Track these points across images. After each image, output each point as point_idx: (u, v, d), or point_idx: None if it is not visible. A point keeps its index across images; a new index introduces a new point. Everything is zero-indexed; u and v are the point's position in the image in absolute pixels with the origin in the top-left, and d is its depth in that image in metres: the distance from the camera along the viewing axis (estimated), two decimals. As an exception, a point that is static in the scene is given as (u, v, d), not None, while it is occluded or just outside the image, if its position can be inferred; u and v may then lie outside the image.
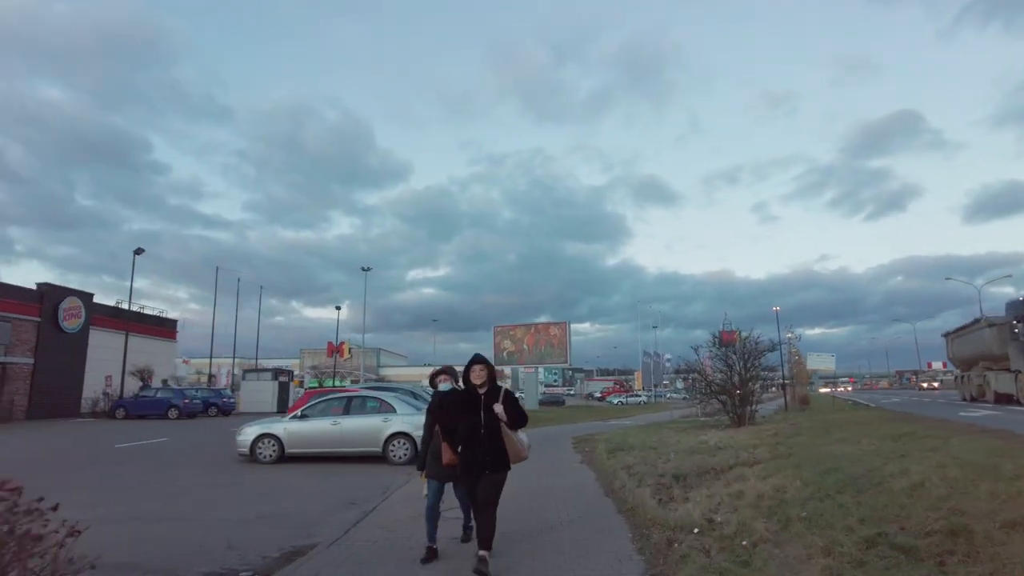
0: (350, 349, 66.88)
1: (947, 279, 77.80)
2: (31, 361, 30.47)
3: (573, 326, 49.53)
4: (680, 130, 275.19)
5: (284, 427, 13.30)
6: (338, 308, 51.60)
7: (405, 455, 12.79)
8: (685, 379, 20.11)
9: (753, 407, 19.04)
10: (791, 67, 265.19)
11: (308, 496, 9.39)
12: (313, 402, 13.92)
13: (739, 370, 19.04)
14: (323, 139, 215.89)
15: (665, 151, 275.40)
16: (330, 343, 63.94)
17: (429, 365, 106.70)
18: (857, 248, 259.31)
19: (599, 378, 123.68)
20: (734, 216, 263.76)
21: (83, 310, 33.33)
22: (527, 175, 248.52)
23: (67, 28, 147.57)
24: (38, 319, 31.00)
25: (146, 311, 39.22)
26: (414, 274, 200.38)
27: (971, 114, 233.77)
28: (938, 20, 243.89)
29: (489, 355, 49.05)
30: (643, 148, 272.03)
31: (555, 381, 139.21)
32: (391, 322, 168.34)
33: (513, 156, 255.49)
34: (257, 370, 39.43)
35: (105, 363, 34.20)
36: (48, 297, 31.58)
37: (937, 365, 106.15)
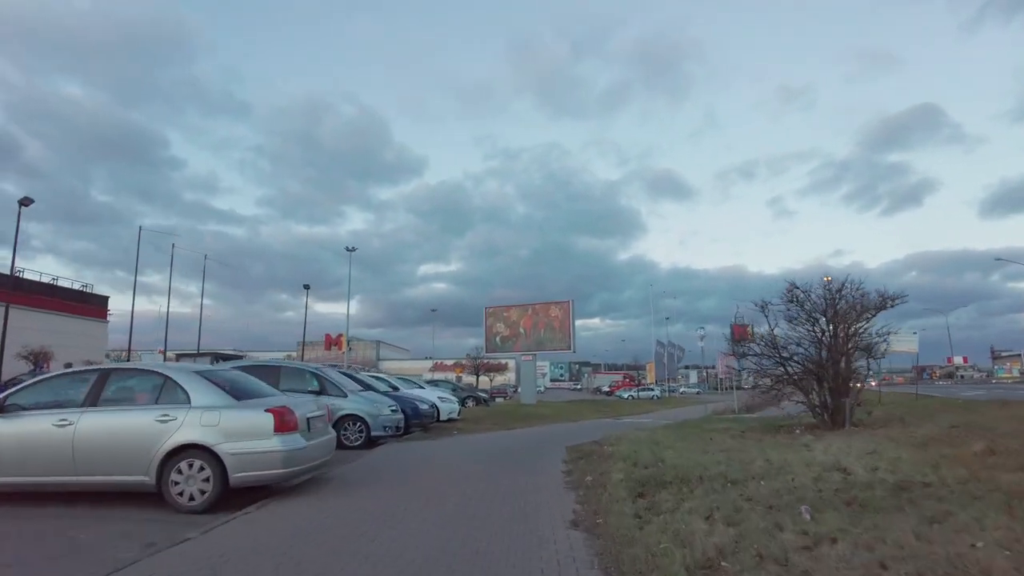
0: (349, 342, 62.85)
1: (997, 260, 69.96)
2: None
3: (583, 321, 42.24)
4: (696, 124, 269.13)
5: (-35, 432, 6.49)
6: (306, 287, 44.08)
7: (202, 492, 5.99)
8: (742, 354, 13.30)
9: (855, 399, 12.04)
10: (809, 61, 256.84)
11: None
12: (33, 381, 7.03)
13: (830, 339, 12.09)
14: (339, 134, 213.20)
15: (681, 146, 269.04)
16: (328, 335, 61.78)
17: (430, 359, 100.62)
18: (871, 243, 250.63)
19: (607, 372, 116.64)
20: (749, 211, 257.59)
21: (-42, 277, 26.72)
22: (542, 170, 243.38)
23: (88, 25, 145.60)
24: None
25: (59, 282, 32.47)
26: (425, 269, 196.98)
27: (992, 108, 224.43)
28: (960, 13, 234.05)
29: (480, 341, 42.38)
30: (659, 143, 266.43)
31: (562, 376, 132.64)
32: (402, 317, 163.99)
33: (529, 151, 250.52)
34: (193, 355, 32.67)
35: (1, 343, 27.52)
36: (-91, 258, 24.99)
37: (958, 360, 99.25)
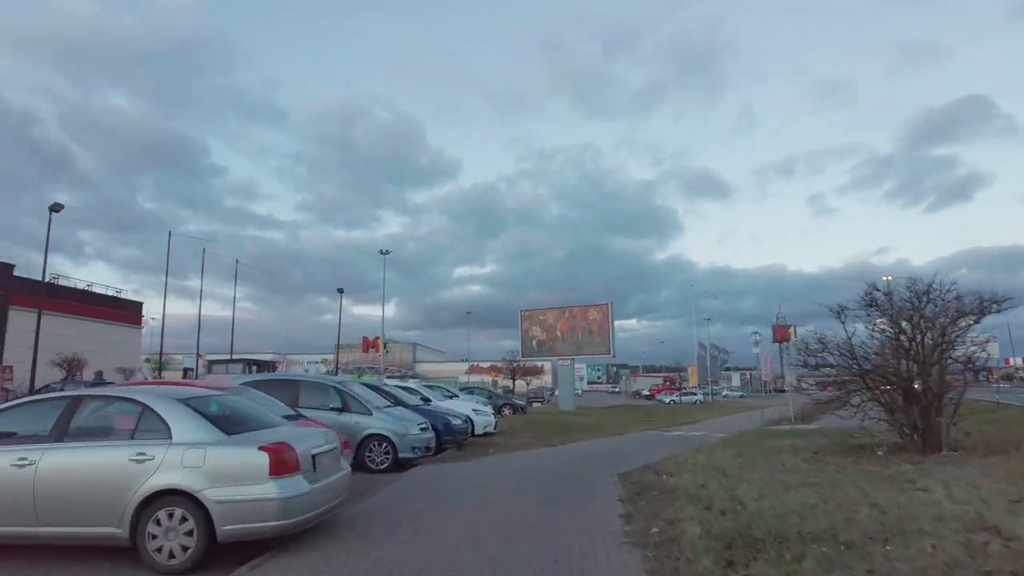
0: (385, 344, 62.89)
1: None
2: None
3: (619, 323, 40.64)
4: (732, 122, 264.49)
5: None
6: (340, 291, 43.60)
7: (184, 549, 4.90)
8: (815, 366, 11.74)
9: (951, 418, 10.41)
10: (848, 55, 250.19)
11: None
12: (10, 405, 6.02)
13: (918, 347, 10.51)
14: (374, 139, 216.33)
15: (717, 144, 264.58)
16: (365, 338, 61.47)
17: (466, 361, 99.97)
18: (917, 239, 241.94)
19: (646, 374, 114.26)
20: (788, 209, 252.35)
21: (-5, 285, 26.64)
22: (576, 170, 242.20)
23: (133, 39, 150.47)
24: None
25: (94, 288, 32.36)
26: (461, 271, 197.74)
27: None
28: (1012, 0, 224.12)
29: (515, 343, 41.19)
30: (694, 141, 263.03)
31: (599, 378, 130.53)
32: (438, 319, 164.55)
33: (563, 152, 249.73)
34: (226, 361, 32.18)
35: (39, 351, 27.37)
36: (-58, 266, 24.94)
37: (1016, 361, 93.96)
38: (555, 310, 38.27)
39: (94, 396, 5.73)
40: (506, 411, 27.69)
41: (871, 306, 11.19)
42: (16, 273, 27.80)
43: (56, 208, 25.01)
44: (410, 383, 24.01)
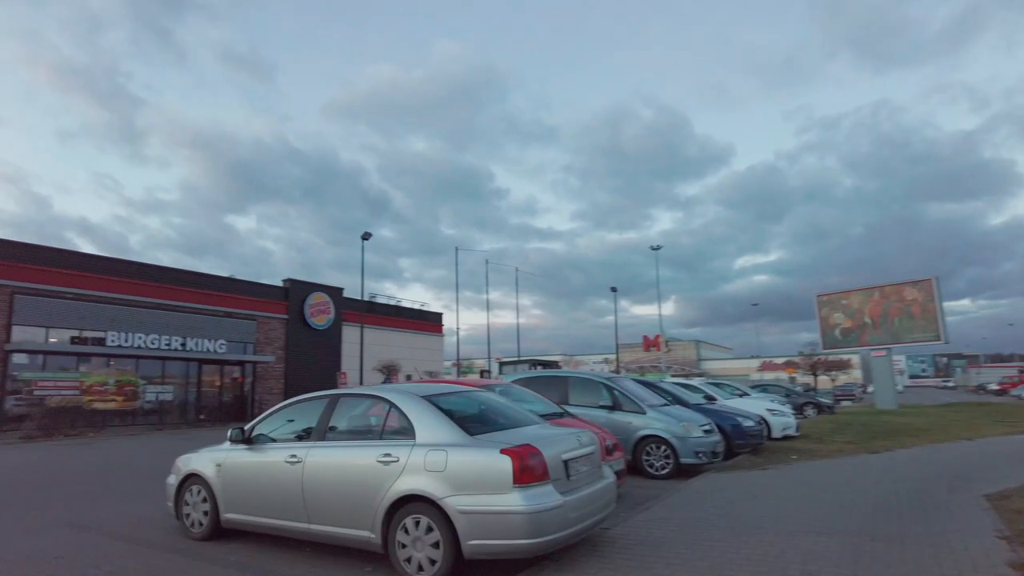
0: (667, 342, 62.46)
1: None
2: (281, 359, 29.48)
3: (946, 304, 33.42)
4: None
5: (218, 460, 6.00)
6: (613, 290, 43.62)
7: (432, 562, 4.39)
8: None
9: None
10: None
11: None
12: (277, 407, 6.26)
13: None
14: (640, 138, 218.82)
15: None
16: (645, 337, 61.43)
17: (756, 357, 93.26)
18: None
19: (991, 364, 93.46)
20: None
21: (331, 306, 31.75)
22: (869, 134, 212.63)
23: (424, 89, 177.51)
24: (285, 316, 29.98)
25: (403, 304, 36.96)
26: (743, 262, 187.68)
27: None
28: None
29: (814, 335, 36.28)
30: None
31: (923, 371, 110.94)
32: (721, 314, 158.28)
33: (850, 116, 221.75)
34: (514, 362, 33.99)
35: (363, 360, 32.17)
36: (294, 294, 30.46)
37: None
38: (861, 292, 32.72)
39: (350, 394, 5.61)
40: (808, 411, 24.25)
41: None
42: (345, 295, 32.75)
43: (366, 236, 28.93)
44: (694, 381, 22.37)
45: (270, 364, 28.73)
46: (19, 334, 21.56)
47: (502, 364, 35.04)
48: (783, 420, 14.08)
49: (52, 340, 22.65)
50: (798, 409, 23.42)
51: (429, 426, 4.82)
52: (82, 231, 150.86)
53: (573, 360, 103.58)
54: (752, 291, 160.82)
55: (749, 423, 11.45)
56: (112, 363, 23.55)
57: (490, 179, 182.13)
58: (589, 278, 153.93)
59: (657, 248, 45.28)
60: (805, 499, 7.04)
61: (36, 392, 20.95)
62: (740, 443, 11.02)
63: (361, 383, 29.62)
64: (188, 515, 6.05)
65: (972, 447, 12.23)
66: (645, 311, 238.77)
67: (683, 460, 9.10)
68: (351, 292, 32.94)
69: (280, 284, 30.62)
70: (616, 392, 9.94)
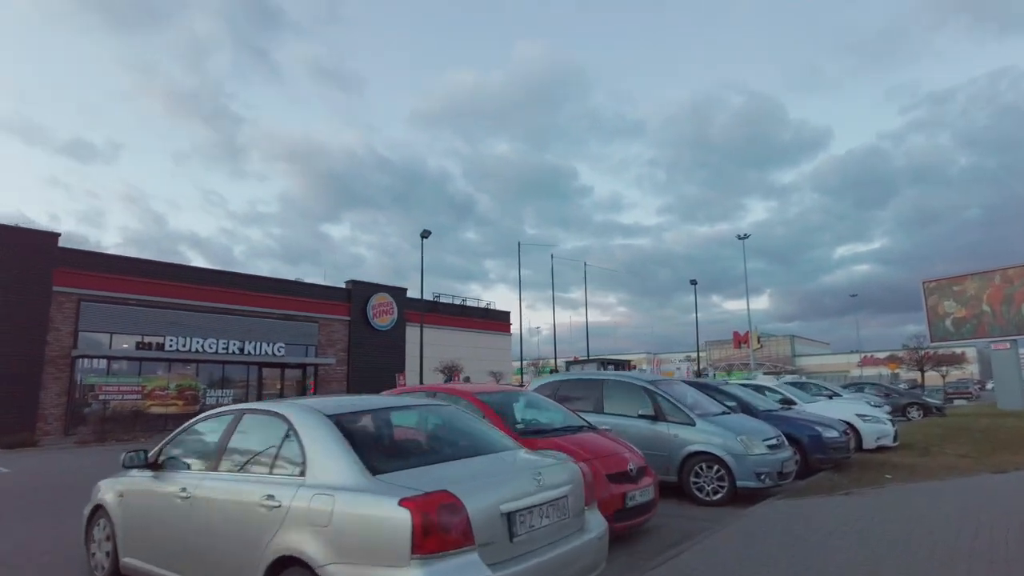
0: (759, 338, 58.79)
1: None
2: (344, 361, 29.15)
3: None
4: None
5: (121, 489, 4.88)
6: (693, 283, 40.96)
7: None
8: None
9: None
10: None
11: None
12: (185, 425, 5.05)
13: None
14: (729, 127, 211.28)
15: None
16: (735, 333, 58.14)
17: (856, 352, 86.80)
18: None
19: None
20: None
21: (395, 306, 31.21)
22: (988, 106, 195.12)
23: (505, 91, 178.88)
24: (348, 318, 29.64)
25: (468, 303, 35.99)
26: (842, 251, 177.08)
27: None
28: None
29: (920, 327, 32.44)
30: None
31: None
32: (819, 307, 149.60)
33: (963, 88, 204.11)
34: (583, 361, 32.27)
35: (425, 360, 31.46)
36: (356, 295, 30.08)
37: None
38: (977, 276, 28.79)
39: (254, 410, 4.31)
40: (913, 413, 21.27)
41: None
42: (408, 296, 32.13)
43: (425, 234, 28.08)
44: (785, 379, 20.04)
45: (332, 366, 28.46)
46: (85, 340, 22.06)
47: (569, 363, 33.44)
48: (877, 427, 11.80)
49: (124, 346, 23.11)
50: (900, 411, 20.56)
51: (324, 457, 3.45)
52: (192, 244, 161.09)
53: (656, 358, 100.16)
54: (852, 282, 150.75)
55: (832, 433, 9.42)
56: (172, 368, 23.81)
57: (573, 177, 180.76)
58: (677, 274, 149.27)
59: (744, 237, 42.18)
60: (902, 540, 5.16)
61: (101, 397, 21.35)
62: (820, 458, 9.05)
63: (421, 384, 28.86)
64: (94, 554, 4.99)
65: None
66: (737, 306, 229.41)
67: (740, 483, 7.32)
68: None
69: (343, 286, 30.34)
70: (660, 398, 8.24)
